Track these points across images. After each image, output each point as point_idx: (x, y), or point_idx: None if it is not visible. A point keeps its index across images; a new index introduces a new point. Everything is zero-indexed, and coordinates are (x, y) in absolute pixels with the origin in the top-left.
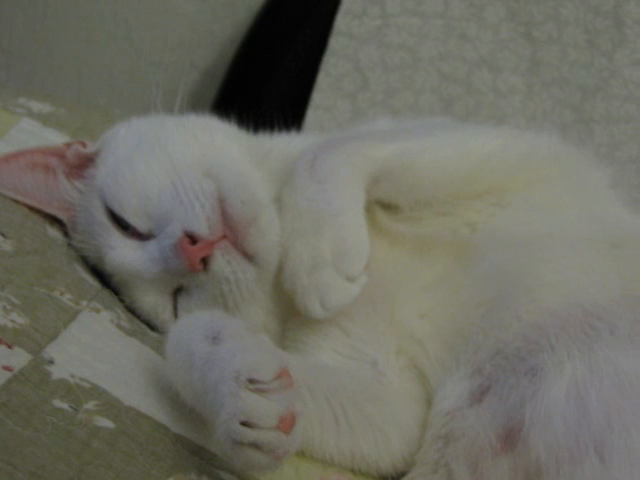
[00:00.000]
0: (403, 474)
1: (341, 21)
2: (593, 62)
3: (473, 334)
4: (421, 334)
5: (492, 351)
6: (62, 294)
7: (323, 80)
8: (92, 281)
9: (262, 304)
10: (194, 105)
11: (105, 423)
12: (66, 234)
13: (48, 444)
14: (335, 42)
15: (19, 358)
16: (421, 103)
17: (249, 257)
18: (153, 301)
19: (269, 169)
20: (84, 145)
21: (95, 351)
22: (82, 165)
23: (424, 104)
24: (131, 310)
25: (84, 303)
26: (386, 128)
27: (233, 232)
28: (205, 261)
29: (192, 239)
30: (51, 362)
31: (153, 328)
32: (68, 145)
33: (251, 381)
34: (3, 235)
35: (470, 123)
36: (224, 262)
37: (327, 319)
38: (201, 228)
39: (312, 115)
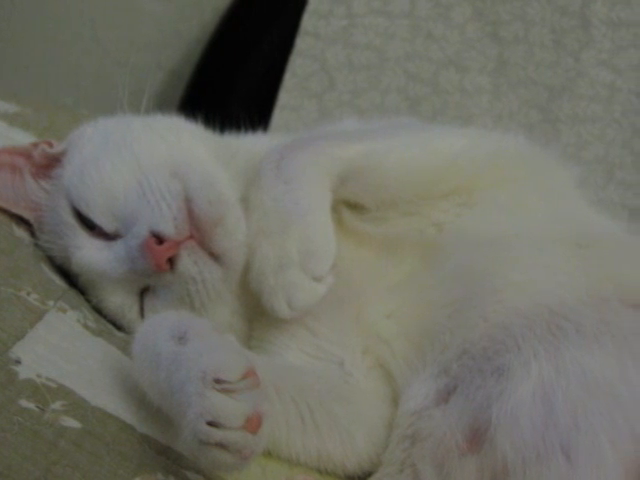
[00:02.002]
0: (370, 474)
1: (307, 21)
2: (560, 62)
3: (439, 334)
4: (387, 334)
5: (459, 351)
6: (29, 294)
7: (289, 80)
8: (59, 281)
9: (229, 304)
10: (161, 105)
11: (72, 423)
12: (33, 234)
13: (15, 444)
14: (301, 42)
15: None
16: (388, 103)
17: (215, 257)
18: (120, 301)
19: (236, 169)
20: (51, 145)
21: (62, 351)
22: (49, 165)
23: (391, 104)
24: (98, 310)
25: (51, 303)
26: (352, 128)
27: (200, 232)
28: (171, 261)
29: (158, 239)
30: (18, 362)
31: (120, 328)
32: (35, 145)
33: (217, 381)
34: None
35: (437, 123)
36: (190, 262)
37: (294, 319)
38: (167, 228)
39: (279, 115)
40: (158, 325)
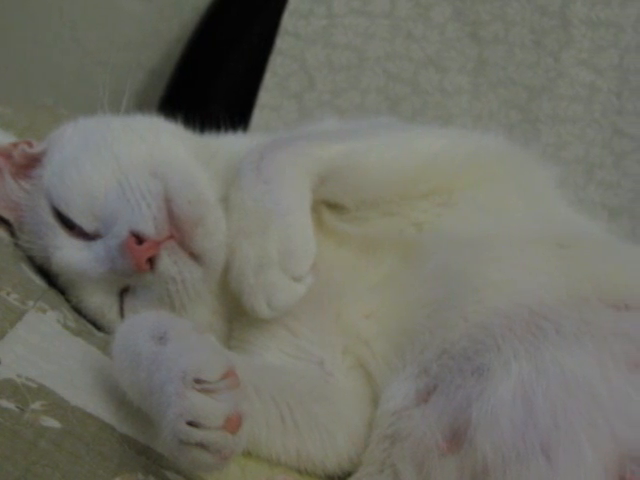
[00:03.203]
0: (349, 474)
1: (287, 21)
2: (539, 62)
3: (419, 334)
4: (367, 334)
5: (438, 351)
6: (8, 294)
7: (269, 80)
8: (39, 281)
9: (208, 304)
10: (140, 105)
11: (51, 423)
12: (13, 234)
13: None
14: (282, 42)
15: None
16: (367, 103)
17: (195, 257)
18: (99, 301)
19: (216, 169)
20: (31, 145)
21: (42, 351)
22: (29, 165)
23: (370, 104)
24: (77, 310)
25: (30, 303)
26: (332, 128)
27: (180, 232)
28: (151, 261)
29: (138, 239)
30: None
31: (100, 328)
32: (15, 145)
33: (197, 381)
34: None
35: (416, 123)
36: (170, 262)
37: (274, 319)
38: (147, 228)
39: (258, 115)
40: (138, 325)
